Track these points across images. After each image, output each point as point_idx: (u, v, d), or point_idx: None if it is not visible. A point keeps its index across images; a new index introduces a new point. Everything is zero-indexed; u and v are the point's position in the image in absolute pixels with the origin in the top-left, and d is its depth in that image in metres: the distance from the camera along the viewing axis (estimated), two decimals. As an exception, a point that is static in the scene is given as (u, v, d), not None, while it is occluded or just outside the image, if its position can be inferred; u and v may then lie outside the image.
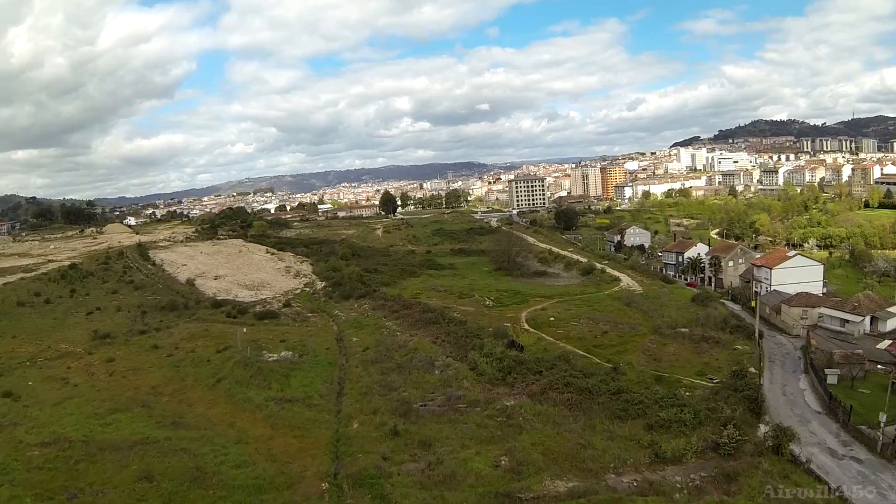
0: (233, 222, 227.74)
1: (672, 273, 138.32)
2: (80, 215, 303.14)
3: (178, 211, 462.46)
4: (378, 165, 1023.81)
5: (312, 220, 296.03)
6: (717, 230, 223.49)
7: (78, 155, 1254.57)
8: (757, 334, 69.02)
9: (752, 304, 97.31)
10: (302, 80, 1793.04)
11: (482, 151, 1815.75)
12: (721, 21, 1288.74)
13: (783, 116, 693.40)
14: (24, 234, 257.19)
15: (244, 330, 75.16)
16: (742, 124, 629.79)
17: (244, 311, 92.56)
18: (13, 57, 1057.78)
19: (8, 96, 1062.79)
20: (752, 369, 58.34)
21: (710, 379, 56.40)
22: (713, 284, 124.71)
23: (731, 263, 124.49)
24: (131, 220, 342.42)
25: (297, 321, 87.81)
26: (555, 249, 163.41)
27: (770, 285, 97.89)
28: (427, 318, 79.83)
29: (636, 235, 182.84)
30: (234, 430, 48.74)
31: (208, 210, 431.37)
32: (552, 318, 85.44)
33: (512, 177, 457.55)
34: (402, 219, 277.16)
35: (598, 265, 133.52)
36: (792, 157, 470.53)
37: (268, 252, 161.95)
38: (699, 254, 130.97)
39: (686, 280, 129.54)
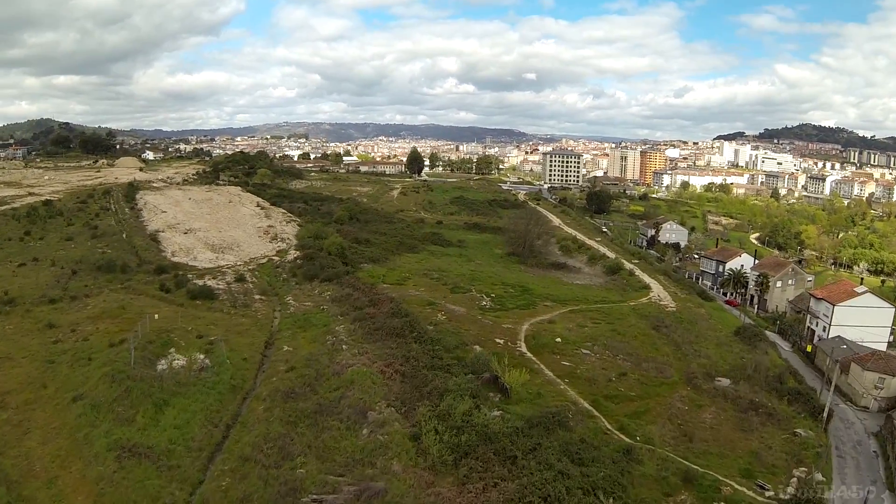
0: (238, 168, 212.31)
1: (710, 284, 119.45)
2: (98, 145, 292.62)
3: (205, 149, 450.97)
4: (418, 123, 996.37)
5: (332, 171, 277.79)
6: (756, 234, 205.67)
7: (119, 84, 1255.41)
8: (826, 413, 50.18)
9: (808, 347, 79.09)
10: (350, 31, 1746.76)
11: (524, 120, 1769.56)
12: (780, 18, 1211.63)
13: (831, 123, 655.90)
14: (38, 160, 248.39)
15: (156, 316, 59.58)
16: (789, 125, 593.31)
17: (182, 283, 76.93)
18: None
19: (54, 21, 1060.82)
20: (819, 476, 40.51)
21: (762, 487, 38.76)
22: (756, 305, 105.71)
23: (779, 284, 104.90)
24: (149, 155, 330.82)
25: (237, 306, 71.66)
26: (580, 237, 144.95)
27: (829, 324, 78.69)
28: (391, 327, 62.08)
29: (672, 232, 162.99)
30: (47, 495, 33.44)
31: (239, 150, 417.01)
32: (559, 340, 67.97)
33: (550, 149, 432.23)
34: (424, 181, 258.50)
35: (627, 265, 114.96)
36: (837, 166, 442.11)
37: (258, 206, 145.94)
38: (743, 266, 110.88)
39: (725, 295, 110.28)
